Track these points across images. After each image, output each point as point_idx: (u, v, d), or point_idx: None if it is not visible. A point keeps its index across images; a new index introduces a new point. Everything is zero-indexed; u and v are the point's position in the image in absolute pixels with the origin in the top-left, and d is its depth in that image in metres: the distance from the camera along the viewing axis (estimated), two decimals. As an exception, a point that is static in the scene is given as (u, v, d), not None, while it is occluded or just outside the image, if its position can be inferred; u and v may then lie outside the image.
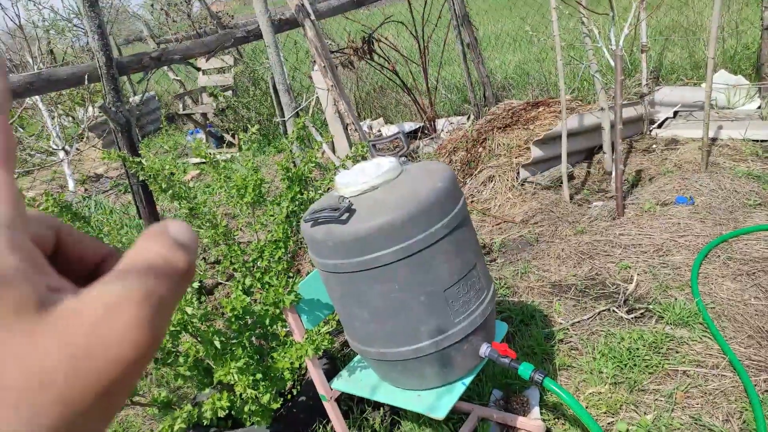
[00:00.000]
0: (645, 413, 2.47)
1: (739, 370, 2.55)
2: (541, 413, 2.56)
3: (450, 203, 1.75)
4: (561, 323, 3.18)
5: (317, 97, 6.35)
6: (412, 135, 7.83)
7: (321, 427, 2.51)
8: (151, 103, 11.52)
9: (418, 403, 1.86)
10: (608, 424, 2.48)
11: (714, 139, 5.21)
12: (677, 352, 2.77)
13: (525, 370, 1.78)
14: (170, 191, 2.43)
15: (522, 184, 5.02)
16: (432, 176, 1.78)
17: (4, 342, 0.20)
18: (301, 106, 5.17)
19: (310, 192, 2.77)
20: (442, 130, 7.86)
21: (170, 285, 0.25)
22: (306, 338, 1.95)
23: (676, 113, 6.09)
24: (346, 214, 1.66)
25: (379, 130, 7.96)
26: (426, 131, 8.01)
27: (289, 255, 3.11)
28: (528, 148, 5.10)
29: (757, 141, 5.05)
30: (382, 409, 2.70)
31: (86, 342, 0.22)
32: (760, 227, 3.61)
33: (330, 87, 4.80)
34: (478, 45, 7.88)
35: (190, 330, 1.91)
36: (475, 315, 1.82)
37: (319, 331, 1.99)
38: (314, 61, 5.14)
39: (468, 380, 1.92)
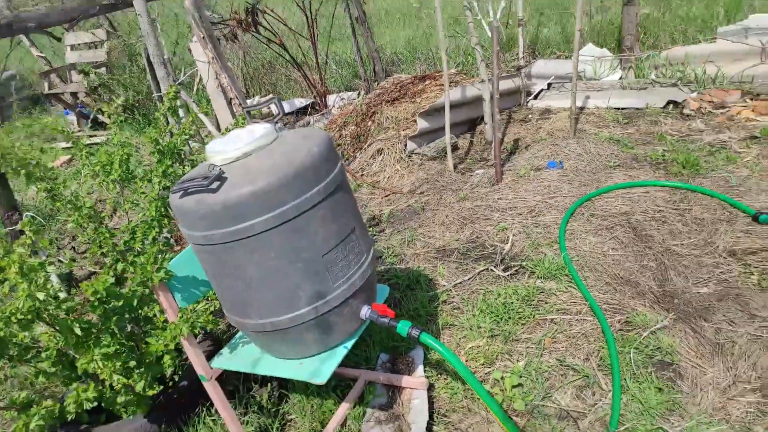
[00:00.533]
0: (518, 360, 2.68)
1: (597, 313, 2.83)
2: (425, 371, 2.69)
3: (326, 168, 1.76)
4: (444, 285, 3.34)
5: (200, 71, 6.05)
6: (303, 111, 7.73)
7: (204, 410, 2.46)
8: (10, 83, 10.37)
9: (300, 371, 1.88)
10: (486, 373, 2.66)
11: (582, 108, 5.65)
12: (546, 303, 3.02)
13: (403, 327, 1.86)
14: (24, 171, 2.22)
15: (410, 156, 5.15)
16: (307, 141, 1.78)
17: None
18: (180, 80, 4.90)
19: (186, 166, 2.66)
20: (333, 106, 7.83)
21: None
22: (180, 317, 1.89)
23: (550, 85, 6.51)
24: (217, 183, 1.62)
25: (268, 107, 7.76)
26: (317, 107, 7.94)
27: (169, 236, 2.98)
28: (415, 121, 5.23)
29: (619, 108, 5.54)
30: (269, 384, 2.70)
31: None
32: (618, 186, 3.99)
33: (211, 59, 4.60)
34: (367, 20, 7.88)
35: (46, 318, 1.77)
36: (354, 278, 1.86)
37: (194, 308, 1.94)
38: (193, 33, 4.88)
39: (350, 343, 1.97)
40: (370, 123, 5.69)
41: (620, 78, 6.39)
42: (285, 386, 2.72)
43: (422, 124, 5.01)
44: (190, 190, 1.66)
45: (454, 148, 5.29)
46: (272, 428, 2.50)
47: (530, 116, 5.78)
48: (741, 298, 2.80)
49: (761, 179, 3.80)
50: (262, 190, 1.59)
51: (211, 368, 2.06)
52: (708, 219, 3.48)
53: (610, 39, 7.49)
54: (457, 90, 5.24)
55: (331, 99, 7.97)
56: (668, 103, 5.37)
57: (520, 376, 2.56)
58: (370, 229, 4.21)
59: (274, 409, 2.62)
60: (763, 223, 3.29)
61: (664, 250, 3.28)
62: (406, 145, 5.14)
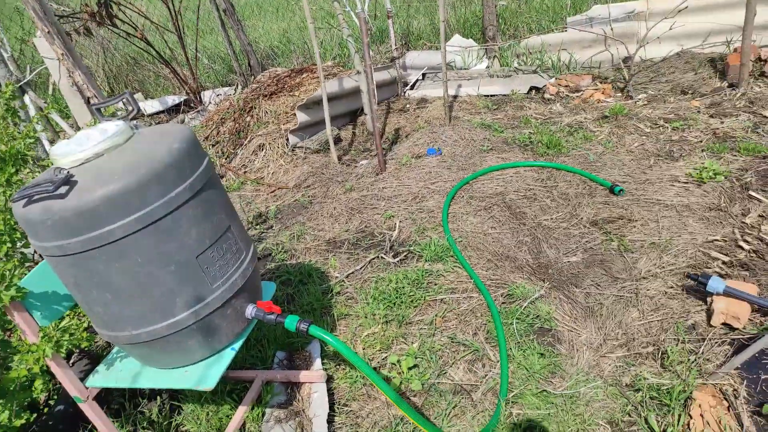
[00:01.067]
0: (412, 343, 2.74)
1: (482, 290, 2.97)
2: (324, 363, 2.66)
3: (190, 165, 1.65)
4: (337, 277, 3.33)
5: (50, 69, 5.46)
6: (176, 109, 7.30)
7: (85, 433, 2.24)
8: None
9: (186, 379, 1.77)
10: (383, 359, 2.69)
11: (455, 96, 5.89)
12: (435, 284, 3.11)
13: (291, 322, 1.81)
14: None
15: (293, 150, 5.06)
16: (166, 138, 1.65)
17: None
18: (27, 79, 4.40)
19: (37, 172, 2.38)
20: (210, 102, 7.48)
21: None
22: (42, 337, 1.69)
23: (424, 75, 6.72)
24: (65, 187, 1.45)
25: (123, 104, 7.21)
26: (192, 104, 7.54)
27: (31, 251, 2.66)
28: (295, 115, 5.14)
29: (488, 96, 5.86)
30: (159, 397, 2.52)
31: None
32: (491, 168, 4.22)
33: (60, 56, 4.16)
34: (235, 11, 7.60)
35: None
36: (235, 278, 1.77)
37: (58, 326, 1.74)
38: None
39: (238, 344, 1.88)
40: (248, 118, 5.50)
41: (487, 67, 6.76)
42: (176, 397, 2.55)
43: (302, 117, 4.94)
44: (34, 198, 1.48)
45: (337, 140, 5.28)
46: (163, 446, 2.34)
47: (408, 106, 5.93)
48: (605, 264, 3.08)
49: (614, 154, 4.21)
50: (118, 192, 1.45)
51: (87, 388, 1.87)
52: (572, 194, 3.79)
53: (476, 30, 7.89)
54: (334, 82, 5.22)
55: (207, 95, 7.60)
56: (531, 89, 5.77)
57: (416, 358, 2.62)
58: (257, 226, 4.08)
59: (166, 423, 2.45)
60: (617, 194, 3.65)
61: (537, 225, 3.52)
62: (288, 140, 5.04)
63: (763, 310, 2.46)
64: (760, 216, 3.15)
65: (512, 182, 4.04)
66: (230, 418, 2.35)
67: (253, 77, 7.25)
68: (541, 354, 2.53)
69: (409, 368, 2.56)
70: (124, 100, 1.76)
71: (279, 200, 4.42)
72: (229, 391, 2.53)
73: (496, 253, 3.30)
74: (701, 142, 4.13)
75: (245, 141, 5.25)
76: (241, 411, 2.34)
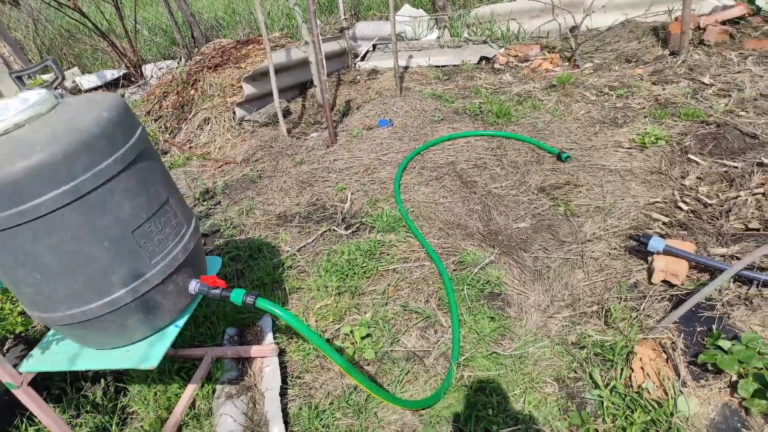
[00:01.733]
0: (365, 313, 2.74)
1: (434, 258, 2.98)
2: (275, 337, 2.63)
3: (122, 134, 1.56)
4: (288, 251, 3.28)
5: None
6: (115, 84, 6.97)
7: (24, 420, 2.15)
8: None
9: (127, 359, 1.70)
10: (336, 330, 2.68)
11: (406, 67, 5.84)
12: (388, 255, 3.11)
13: (237, 296, 1.76)
14: None
15: (240, 124, 4.91)
16: (94, 106, 1.55)
17: None
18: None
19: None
20: (151, 76, 7.17)
21: None
22: (-35, 322, 1.59)
23: (375, 46, 6.62)
24: (-20, 160, 1.35)
25: (74, 81, 6.86)
26: (132, 78, 7.21)
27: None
28: (241, 87, 4.98)
29: (439, 66, 5.83)
30: (103, 380, 2.44)
31: None
32: (443, 138, 4.22)
33: (-18, 25, 3.87)
34: (176, -20, 7.26)
35: None
36: (175, 252, 1.71)
37: (-15, 309, 1.64)
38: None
39: (182, 321, 1.82)
40: (193, 92, 5.30)
41: (437, 37, 6.71)
42: (122, 379, 2.48)
43: (249, 89, 4.79)
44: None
45: (287, 112, 5.16)
46: (111, 425, 2.27)
47: (359, 77, 5.84)
48: (552, 228, 3.15)
49: (561, 122, 4.28)
50: (41, 164, 1.35)
51: (21, 373, 1.78)
52: (521, 161, 3.84)
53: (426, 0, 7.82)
54: (281, 53, 5.08)
55: (148, 69, 7.28)
56: (481, 59, 5.77)
57: (369, 327, 2.62)
58: (205, 203, 3.97)
59: (111, 405, 2.38)
60: (564, 160, 3.72)
61: (487, 193, 3.55)
62: (234, 113, 4.89)
63: (700, 266, 2.57)
64: (698, 178, 3.27)
65: (463, 152, 4.06)
66: (179, 397, 2.30)
67: (197, 49, 6.98)
68: (492, 318, 2.58)
69: (362, 338, 2.56)
70: (47, 64, 1.64)
71: (227, 175, 4.31)
72: (178, 369, 2.47)
73: (447, 222, 3.32)
74: (644, 108, 4.24)
75: (190, 115, 5.06)
76: (190, 389, 2.29)
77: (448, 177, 3.76)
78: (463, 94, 5.07)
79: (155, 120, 5.13)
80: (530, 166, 3.77)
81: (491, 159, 3.92)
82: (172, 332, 1.78)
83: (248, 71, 4.92)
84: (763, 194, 2.94)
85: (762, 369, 1.93)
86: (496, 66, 5.62)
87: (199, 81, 5.33)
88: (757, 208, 2.86)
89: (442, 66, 5.84)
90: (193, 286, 1.78)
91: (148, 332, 1.76)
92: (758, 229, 2.74)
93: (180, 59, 7.35)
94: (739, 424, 1.91)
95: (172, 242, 1.71)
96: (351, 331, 2.62)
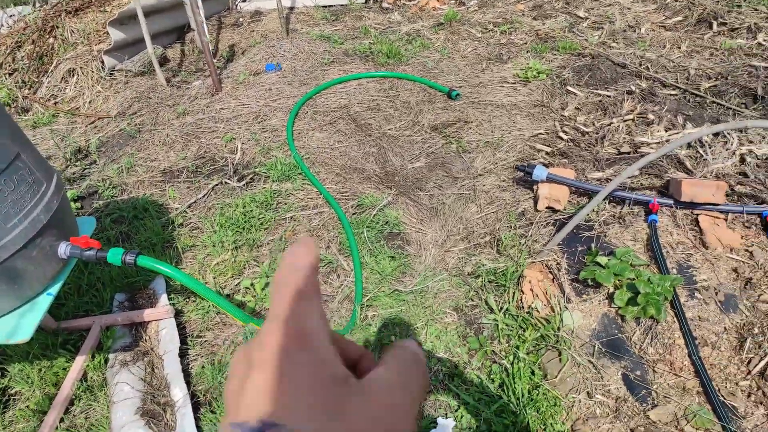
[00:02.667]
0: (263, 263, 2.67)
1: (332, 203, 2.95)
2: (170, 298, 2.49)
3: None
4: (178, 208, 3.09)
5: None
6: (-45, 33, 6.03)
7: None
8: None
9: (-7, 336, 1.53)
10: (236, 285, 2.59)
11: (291, 8, 5.56)
12: (285, 204, 3.03)
13: (114, 255, 1.62)
14: None
15: (111, 74, 4.47)
16: None
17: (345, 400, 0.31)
18: None
19: None
20: (1, 25, 6.28)
21: (425, 383, 0.39)
22: None
23: (256, -14, 6.22)
24: None
25: None
26: (-24, 27, 6.27)
27: None
28: (108, 33, 4.50)
29: (326, 6, 5.61)
30: (-25, 364, 2.20)
31: (387, 414, 0.33)
32: (334, 81, 4.11)
33: None
34: None
35: None
36: (36, 213, 1.52)
37: None
38: None
39: (55, 289, 1.66)
40: (51, 40, 4.71)
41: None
42: (3, 351, 2.25)
43: (117, 35, 4.34)
44: None
45: (164, 60, 4.77)
46: (-10, 414, 2.07)
47: (241, 20, 5.49)
48: (446, 166, 3.21)
49: (450, 60, 4.31)
50: None
51: None
52: (413, 101, 3.84)
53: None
54: (151, -7, 4.62)
55: (-5, 16, 6.36)
56: (369, -3, 5.63)
57: (268, 277, 2.56)
58: (78, 163, 3.60)
59: (-12, 390, 2.16)
60: (454, 98, 3.77)
61: (382, 135, 3.53)
62: (103, 62, 4.43)
63: (580, 191, 2.74)
64: (576, 108, 3.45)
65: (356, 94, 3.99)
66: (67, 371, 2.14)
67: (51, -8, 6.17)
68: (392, 257, 2.61)
69: (263, 289, 2.50)
70: None
71: (101, 132, 3.93)
72: (63, 342, 2.28)
73: (344, 166, 3.28)
74: (526, 43, 4.37)
75: (51, 67, 4.51)
76: (79, 361, 2.13)
77: (342, 121, 3.69)
78: (352, 34, 4.94)
79: (9, 74, 4.52)
80: (422, 105, 3.78)
81: (384, 100, 3.89)
82: (44, 301, 1.62)
83: (114, 14, 4.43)
84: (633, 120, 3.17)
85: (634, 279, 2.12)
86: (384, 5, 5.51)
87: (59, 27, 4.74)
88: (628, 133, 3.08)
89: (330, 6, 5.63)
90: (63, 249, 1.62)
91: (15, 303, 1.58)
92: (629, 153, 2.96)
93: (34, 3, 6.48)
94: (616, 331, 2.11)
95: (31, 202, 1.52)
96: (251, 284, 2.55)
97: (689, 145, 2.86)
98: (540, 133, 3.30)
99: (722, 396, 1.82)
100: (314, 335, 0.34)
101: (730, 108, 3.20)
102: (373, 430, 0.32)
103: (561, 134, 3.23)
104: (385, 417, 0.33)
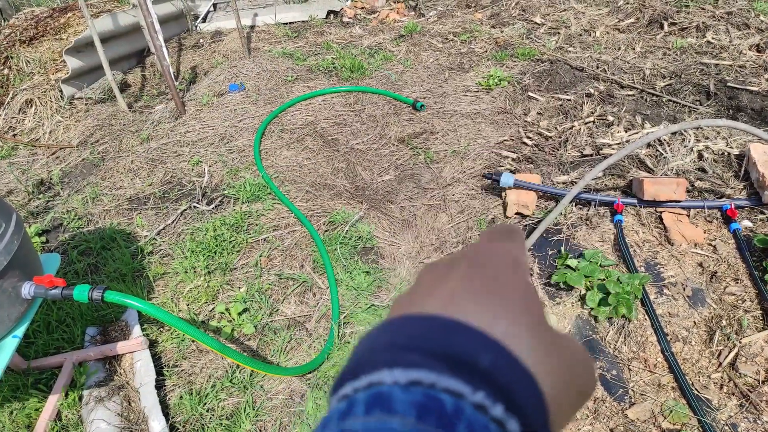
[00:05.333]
0: (239, 288, 2.64)
1: (303, 222, 2.94)
2: (143, 329, 2.45)
3: None
4: (146, 235, 3.04)
5: None
6: None
7: None
8: None
9: (-42, 385, 1.48)
10: (210, 310, 2.56)
11: (252, 27, 5.55)
12: (257, 225, 3.01)
13: (81, 292, 1.59)
14: None
15: (71, 103, 4.38)
16: None
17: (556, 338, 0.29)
18: None
19: None
20: (-48, 57, 6.11)
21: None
22: None
23: (216, 5, 6.20)
24: None
25: None
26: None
27: None
28: (65, 61, 4.42)
29: (286, 23, 5.62)
30: (-59, 412, 2.12)
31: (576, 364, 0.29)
32: (299, 98, 4.11)
33: None
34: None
35: None
36: (-4, 256, 1.48)
37: None
38: None
39: (21, 331, 1.61)
40: (6, 71, 4.60)
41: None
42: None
43: (74, 63, 4.27)
44: None
45: (125, 85, 4.70)
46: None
47: (202, 41, 5.45)
48: (415, 177, 3.23)
49: (413, 72, 4.36)
50: None
51: None
52: (379, 114, 3.87)
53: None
54: (107, 19, 4.56)
55: (-55, 48, 6.18)
56: (329, 13, 5.66)
57: (245, 302, 2.54)
58: (40, 195, 3.52)
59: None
60: (419, 109, 3.81)
61: (350, 149, 3.54)
62: (62, 91, 4.34)
63: (547, 195, 2.80)
64: (538, 113, 3.53)
65: (321, 110, 3.99)
66: (40, 412, 2.08)
67: (5, 22, 6.04)
68: (367, 272, 2.61)
69: (240, 313, 2.47)
70: None
71: (63, 162, 3.84)
72: (34, 382, 2.21)
73: (313, 183, 3.27)
74: (486, 51, 4.45)
75: (7, 98, 4.40)
76: (52, 401, 2.08)
77: (310, 137, 3.69)
78: (314, 50, 4.95)
79: (-37, 107, 4.40)
80: (388, 118, 3.81)
81: (350, 115, 3.90)
82: (10, 344, 1.57)
83: (70, 42, 4.36)
84: (593, 122, 3.25)
85: (604, 280, 2.17)
86: (345, 19, 5.55)
87: (13, 58, 4.63)
88: (589, 136, 3.16)
89: (290, 23, 5.64)
90: (27, 289, 1.58)
91: (-21, 350, 1.53)
92: (591, 155, 3.03)
93: (-16, 34, 6.32)
94: (591, 332, 2.15)
95: (-10, 245, 1.48)
96: (227, 309, 2.51)
97: (649, 145, 2.95)
98: (505, 140, 3.36)
99: (696, 390, 1.87)
100: (526, 267, 0.32)
101: (686, 105, 3.31)
102: (569, 384, 0.28)
103: (525, 140, 3.29)
104: (577, 380, 0.29)
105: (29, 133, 4.24)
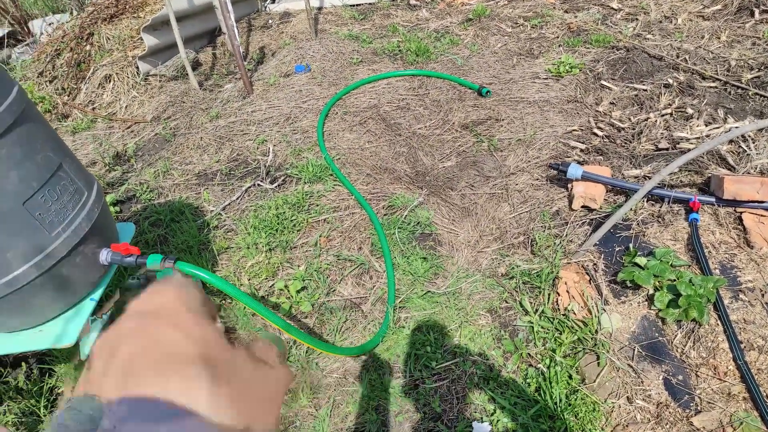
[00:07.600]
0: (299, 266, 2.69)
1: (363, 204, 2.95)
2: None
3: (-7, 97, 1.38)
4: (212, 210, 3.14)
5: None
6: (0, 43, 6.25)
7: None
8: None
9: (40, 339, 1.58)
10: (270, 286, 2.62)
11: (320, 8, 5.59)
12: (317, 205, 3.05)
13: (154, 261, 1.66)
14: None
15: (146, 79, 4.57)
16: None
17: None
18: None
19: None
20: (41, 33, 6.49)
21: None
22: None
23: (285, -13, 6.27)
24: None
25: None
26: (19, 36, 6.50)
27: None
28: (142, 39, 4.60)
29: (353, 5, 5.62)
30: (25, 363, 2.28)
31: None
32: (363, 81, 4.11)
33: None
34: None
35: None
36: (78, 221, 1.57)
37: None
38: None
39: (98, 294, 1.71)
40: (88, 47, 4.84)
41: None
42: (44, 360, 2.33)
43: (150, 41, 4.43)
44: None
45: (196, 64, 4.85)
46: (39, 408, 2.15)
47: (270, 21, 5.54)
48: (477, 165, 3.17)
49: (480, 57, 4.26)
50: None
51: None
52: (443, 100, 3.81)
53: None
54: (183, -2, 4.70)
55: (37, 25, 6.57)
56: (397, -5, 5.60)
57: (303, 280, 2.58)
58: (117, 167, 3.70)
59: (36, 388, 2.24)
60: (485, 95, 3.72)
61: (412, 134, 3.52)
62: (138, 68, 4.53)
63: (616, 189, 2.68)
64: (611, 103, 3.37)
65: (385, 94, 3.98)
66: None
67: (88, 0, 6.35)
68: (424, 258, 2.60)
69: (298, 291, 2.52)
70: None
71: (137, 136, 4.03)
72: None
73: (374, 167, 3.28)
74: (558, 37, 4.29)
75: (88, 73, 4.64)
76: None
77: (372, 121, 3.69)
78: (380, 33, 4.93)
79: (50, 81, 4.67)
80: (452, 103, 3.75)
81: (414, 99, 3.87)
82: (88, 307, 1.67)
83: (147, 20, 4.53)
84: (671, 114, 3.08)
85: (675, 280, 2.06)
86: (412, 2, 5.48)
87: (95, 35, 4.87)
88: (666, 128, 2.99)
89: (357, 4, 5.63)
90: (105, 256, 1.66)
91: (62, 308, 1.63)
92: (667, 149, 2.88)
93: (71, 11, 6.67)
94: (657, 334, 2.05)
95: (73, 211, 1.57)
96: (285, 286, 2.57)
97: (731, 141, 2.77)
98: (574, 130, 3.23)
99: (770, 402, 1.76)
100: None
101: (775, 100, 3.08)
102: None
103: (596, 130, 3.16)
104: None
105: (107, 107, 4.45)
